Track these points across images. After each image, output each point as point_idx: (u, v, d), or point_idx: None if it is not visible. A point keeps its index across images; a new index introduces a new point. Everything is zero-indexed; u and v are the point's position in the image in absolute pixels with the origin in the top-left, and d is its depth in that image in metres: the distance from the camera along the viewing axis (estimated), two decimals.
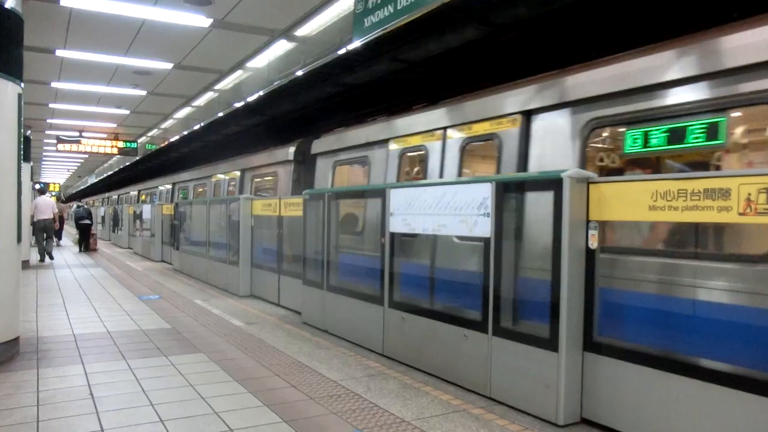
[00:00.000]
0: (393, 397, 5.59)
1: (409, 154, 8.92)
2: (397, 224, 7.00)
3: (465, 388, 5.91)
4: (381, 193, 7.30)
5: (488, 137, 7.32)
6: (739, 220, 3.94)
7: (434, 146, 8.26)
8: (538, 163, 6.59)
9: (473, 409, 5.32)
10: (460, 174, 7.77)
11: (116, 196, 41.07)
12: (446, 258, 6.79)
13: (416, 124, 8.70)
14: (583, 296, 4.94)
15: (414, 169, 9.00)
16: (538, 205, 5.55)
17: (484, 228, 5.68)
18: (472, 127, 7.61)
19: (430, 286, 6.86)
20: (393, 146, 9.21)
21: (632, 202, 4.58)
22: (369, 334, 7.54)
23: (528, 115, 6.81)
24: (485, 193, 5.68)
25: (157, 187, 28.05)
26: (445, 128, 8.11)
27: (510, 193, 5.59)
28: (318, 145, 11.52)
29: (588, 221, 4.94)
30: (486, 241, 5.65)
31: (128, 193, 36.55)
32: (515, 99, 6.95)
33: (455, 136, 7.93)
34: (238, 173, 16.10)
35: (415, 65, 10.13)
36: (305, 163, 12.44)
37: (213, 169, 19.05)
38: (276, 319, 9.52)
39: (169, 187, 25.21)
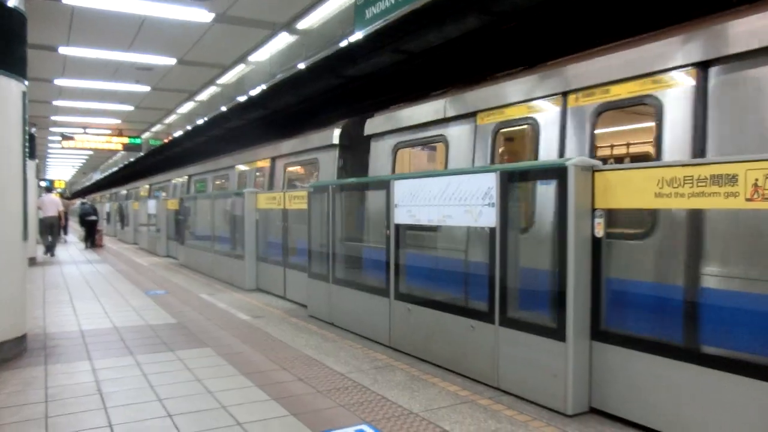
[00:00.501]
0: (400, 389, 5.57)
1: (507, 129, 7.32)
2: (401, 216, 6.96)
3: (472, 379, 5.89)
4: (385, 185, 7.26)
5: (640, 100, 5.70)
6: (746, 205, 3.89)
7: (548, 116, 6.61)
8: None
9: (481, 400, 5.30)
10: (593, 153, 6.21)
11: (124, 192, 39.59)
12: (452, 249, 6.75)
13: (514, 92, 7.07)
14: (589, 285, 4.91)
15: (514, 148, 7.67)
16: (543, 193, 5.51)
17: (490, 218, 5.64)
18: (611, 90, 5.97)
19: (436, 277, 6.83)
20: (484, 120, 7.48)
21: (638, 189, 4.54)
22: (375, 326, 7.52)
23: (704, 67, 5.17)
24: (490, 182, 5.64)
25: (170, 180, 25.85)
26: (564, 93, 6.45)
27: (515, 183, 5.54)
28: (373, 125, 9.80)
29: (594, 209, 4.90)
30: (491, 231, 5.62)
31: (138, 188, 34.37)
32: (687, 46, 5.28)
33: (583, 101, 6.29)
34: (267, 162, 14.23)
35: (415, 56, 10.07)
36: (352, 148, 10.87)
37: (236, 159, 17.00)
38: (282, 313, 9.50)
39: (184, 179, 23.18)
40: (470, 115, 7.72)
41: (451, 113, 8.02)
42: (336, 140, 10.86)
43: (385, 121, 9.43)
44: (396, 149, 9.19)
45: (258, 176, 14.83)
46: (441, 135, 8.22)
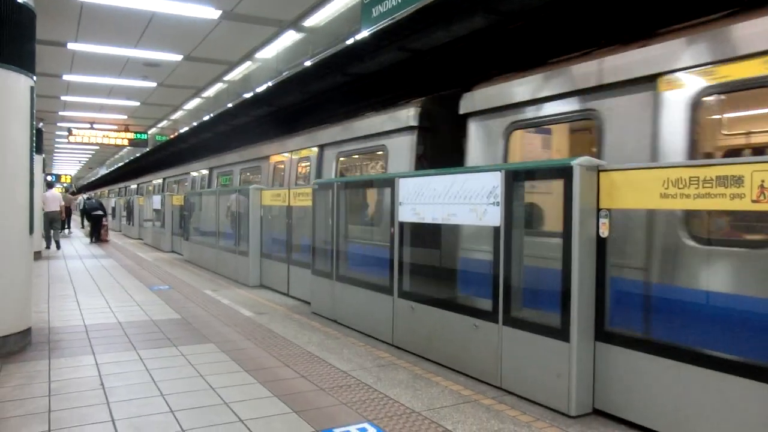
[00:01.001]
0: (403, 388, 5.55)
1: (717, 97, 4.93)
2: (406, 214, 6.94)
3: (475, 378, 5.86)
4: (390, 183, 7.24)
5: None
6: (752, 207, 3.86)
7: None
8: None
9: (484, 400, 5.27)
10: None
11: (134, 186, 38.03)
12: (456, 247, 6.73)
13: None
14: (594, 285, 4.88)
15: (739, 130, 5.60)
16: (548, 193, 5.49)
17: (494, 217, 5.61)
18: None
19: (439, 275, 6.81)
20: (683, 81, 5.02)
21: (643, 189, 4.50)
22: (379, 324, 7.51)
23: None
24: (494, 181, 5.61)
25: (188, 173, 23.59)
26: None
27: (520, 182, 5.52)
28: (473, 101, 7.45)
29: (599, 209, 4.87)
30: (496, 230, 5.59)
31: (150, 182, 32.49)
32: None
33: None
34: (314, 150, 11.87)
35: (423, 54, 10.03)
36: (434, 131, 8.77)
37: (270, 148, 14.55)
38: (286, 309, 9.49)
39: (205, 173, 21.01)
40: (646, 80, 5.29)
41: (608, 78, 5.63)
42: (414, 121, 8.67)
43: (492, 96, 7.15)
44: (510, 130, 6.93)
45: (302, 168, 12.55)
46: (592, 111, 5.83)
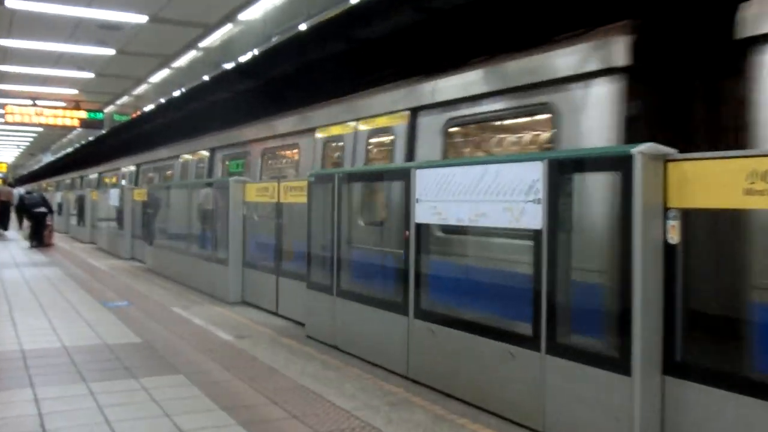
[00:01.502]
0: None
1: None
2: (424, 213, 6.91)
3: (511, 420, 5.83)
4: (404, 174, 7.21)
5: None
6: None
7: None
8: None
9: None
10: None
11: (94, 176, 36.92)
12: (487, 255, 6.70)
13: None
14: (661, 304, 4.84)
15: None
16: (603, 188, 5.45)
17: (534, 218, 5.58)
18: None
19: (467, 290, 6.78)
20: None
21: (722, 184, 4.46)
22: (390, 352, 7.48)
23: None
24: (535, 173, 5.58)
25: (177, 157, 21.26)
26: None
27: (567, 174, 5.48)
28: None
29: (666, 209, 4.83)
30: (537, 234, 5.55)
31: (118, 170, 30.91)
32: None
33: None
34: (402, 120, 9.44)
35: (443, 14, 10.00)
36: (657, 79, 6.44)
37: (314, 118, 12.25)
38: (273, 332, 9.49)
39: (201, 155, 18.85)
40: None
41: None
42: (622, 59, 6.33)
43: None
44: None
45: (377, 145, 10.47)
46: None
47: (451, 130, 8.64)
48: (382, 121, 10.01)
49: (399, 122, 9.50)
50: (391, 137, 9.64)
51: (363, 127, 10.50)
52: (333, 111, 11.65)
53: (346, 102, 11.34)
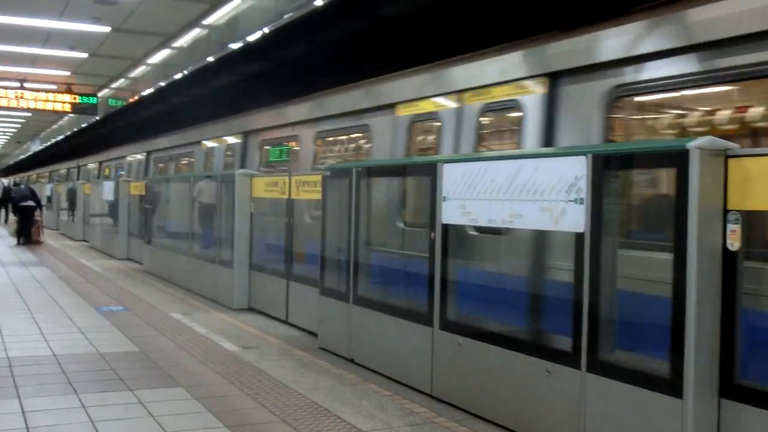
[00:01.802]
0: None
1: None
2: (452, 213, 6.88)
3: None
4: (430, 170, 7.18)
5: None
6: None
7: None
8: None
9: None
10: None
11: (93, 165, 35.85)
12: (522, 261, 6.67)
13: None
14: (719, 319, 4.79)
15: None
16: (653, 187, 5.41)
17: (576, 219, 5.53)
18: None
19: (498, 299, 6.75)
20: None
21: None
22: (412, 366, 7.46)
23: None
24: (577, 170, 5.54)
25: (199, 143, 19.85)
26: None
27: (614, 171, 5.44)
28: None
29: (726, 211, 4.78)
30: (578, 237, 5.51)
31: (123, 159, 29.50)
32: None
33: None
34: (539, 85, 7.85)
35: None
36: None
37: (397, 89, 10.62)
38: (282, 343, 9.49)
39: (233, 142, 17.17)
40: None
41: None
42: None
43: None
44: None
45: (490, 127, 9.28)
46: None
47: (620, 102, 7.18)
48: (502, 92, 8.49)
49: (529, 92, 8.02)
50: (517, 114, 8.19)
51: (471, 101, 8.89)
52: (419, 81, 10.09)
53: (439, 69, 9.79)
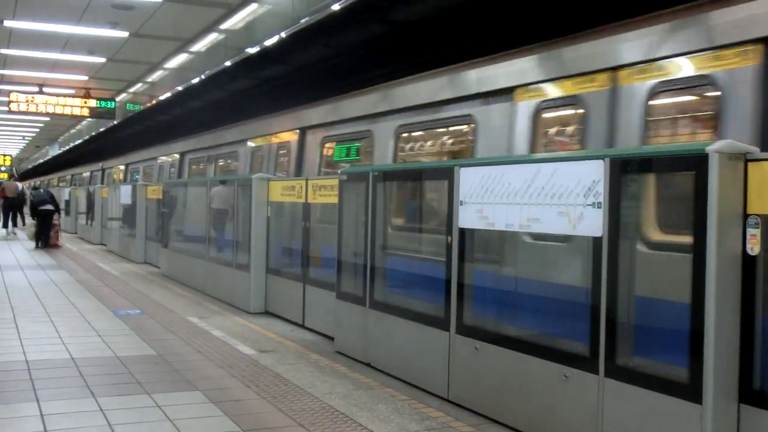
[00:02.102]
0: None
1: None
2: (469, 217, 6.86)
3: None
4: (447, 174, 7.17)
5: None
6: None
7: None
8: None
9: None
10: None
11: (119, 167, 33.85)
12: (539, 265, 6.64)
13: None
14: (739, 323, 4.76)
15: None
16: (671, 191, 5.38)
17: (594, 223, 5.51)
18: None
19: (515, 304, 6.72)
20: None
21: None
22: (428, 371, 7.44)
23: None
24: (595, 173, 5.52)
25: (244, 142, 18.00)
26: None
27: (631, 175, 5.41)
28: None
29: (746, 215, 4.75)
30: (596, 241, 5.49)
31: (153, 160, 27.73)
32: None
33: None
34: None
35: None
36: None
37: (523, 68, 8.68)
38: (299, 346, 9.49)
39: (288, 139, 15.05)
40: None
41: None
42: None
43: None
44: None
45: (672, 115, 7.15)
46: None
47: None
48: (685, 67, 6.73)
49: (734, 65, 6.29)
50: (714, 92, 6.47)
51: (637, 79, 7.12)
52: (552, 56, 8.26)
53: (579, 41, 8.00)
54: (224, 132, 19.88)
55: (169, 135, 25.84)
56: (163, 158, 26.07)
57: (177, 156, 24.02)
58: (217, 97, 20.95)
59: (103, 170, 37.55)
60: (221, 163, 20.20)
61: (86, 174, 42.61)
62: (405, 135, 11.05)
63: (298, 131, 14.30)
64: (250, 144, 17.47)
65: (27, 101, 29.11)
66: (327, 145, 13.35)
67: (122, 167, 32.80)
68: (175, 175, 23.34)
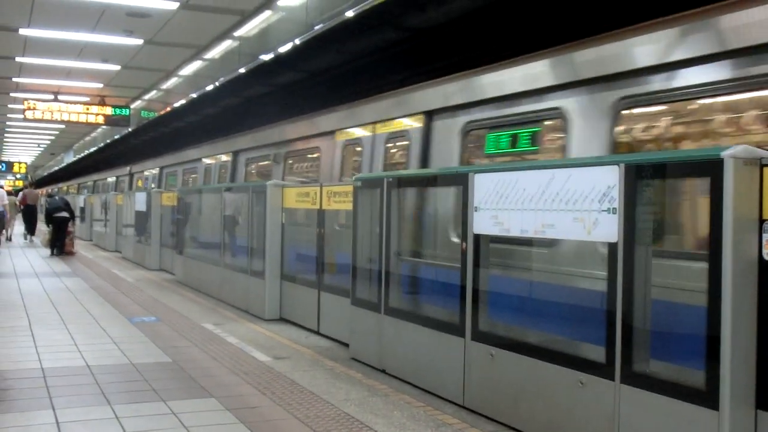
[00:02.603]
0: None
1: None
2: (484, 223, 6.86)
3: None
4: (461, 180, 7.17)
5: None
6: None
7: None
8: None
9: None
10: None
11: (150, 172, 30.08)
12: (554, 271, 6.63)
13: None
14: (755, 329, 4.74)
15: None
16: (686, 196, 5.36)
17: (609, 229, 5.50)
18: None
19: (531, 309, 6.71)
20: None
21: None
22: (444, 377, 7.43)
23: None
24: (610, 179, 5.51)
25: (331, 135, 13.53)
26: None
27: (646, 180, 5.40)
28: None
29: (762, 221, 4.74)
30: (612, 247, 5.48)
31: (198, 161, 23.33)
32: None
33: None
34: None
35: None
36: None
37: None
38: (314, 353, 9.50)
39: (406, 127, 11.16)
40: None
41: None
42: None
43: None
44: None
45: None
46: None
47: None
48: None
49: None
50: None
51: None
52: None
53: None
54: (297, 124, 15.63)
55: (221, 132, 21.48)
56: (208, 161, 22.15)
57: (227, 157, 20.07)
58: (284, 81, 16.89)
59: (132, 175, 34.05)
60: (296, 161, 16.08)
61: (111, 179, 39.37)
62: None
63: (423, 115, 10.70)
64: (345, 134, 13.07)
65: (42, 109, 29.25)
66: (471, 134, 9.67)
67: (154, 171, 29.28)
68: (227, 177, 19.51)
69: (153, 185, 27.81)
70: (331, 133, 13.41)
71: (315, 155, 14.42)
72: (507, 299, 7.21)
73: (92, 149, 51.10)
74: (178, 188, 21.50)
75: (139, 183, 32.03)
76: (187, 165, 24.85)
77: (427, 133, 10.45)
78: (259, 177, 17.93)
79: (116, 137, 38.74)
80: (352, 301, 9.28)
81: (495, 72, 9.21)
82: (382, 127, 11.78)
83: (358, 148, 12.52)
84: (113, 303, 13.43)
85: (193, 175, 23.81)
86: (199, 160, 23.01)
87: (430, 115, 10.45)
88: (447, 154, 9.84)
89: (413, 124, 10.88)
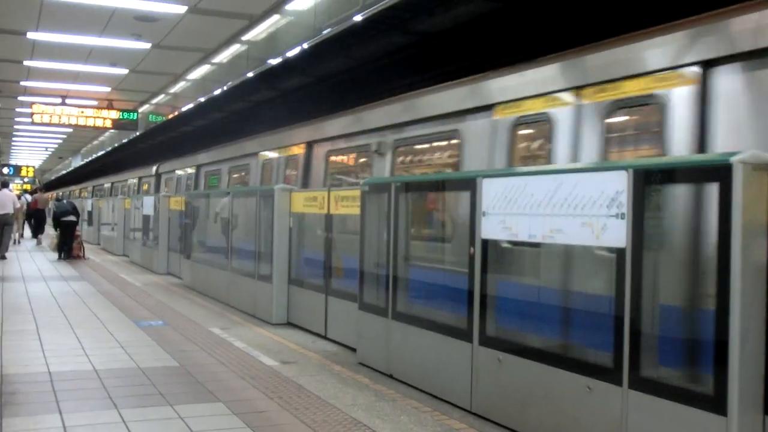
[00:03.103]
0: None
1: None
2: (492, 228, 6.87)
3: None
4: (469, 185, 7.18)
5: None
6: None
7: None
8: None
9: None
10: None
11: (185, 172, 25.96)
12: (562, 276, 6.63)
13: None
14: (764, 335, 4.74)
15: None
16: (696, 202, 5.37)
17: (617, 234, 5.50)
18: None
19: (539, 315, 6.71)
20: None
21: None
22: (451, 382, 7.44)
23: None
24: (618, 184, 5.51)
25: (425, 123, 10.58)
26: None
27: (655, 185, 5.41)
28: None
29: None
30: (619, 253, 5.48)
31: (245, 159, 19.44)
32: None
33: None
34: None
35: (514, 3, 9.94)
36: None
37: None
38: (321, 358, 9.51)
39: (530, 113, 8.40)
40: None
41: None
42: None
43: None
44: None
45: None
46: None
47: None
48: None
49: None
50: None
51: None
52: None
53: None
54: (360, 115, 13.27)
55: (271, 126, 18.79)
56: (270, 154, 17.55)
57: (276, 154, 16.92)
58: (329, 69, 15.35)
59: (159, 176, 30.08)
60: (348, 159, 14.12)
61: (132, 181, 35.39)
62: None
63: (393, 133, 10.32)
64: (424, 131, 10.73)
65: (50, 113, 29.30)
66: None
67: (189, 170, 25.12)
68: (299, 177, 15.11)
69: (188, 186, 24.48)
70: (403, 125, 11.22)
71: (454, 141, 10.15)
72: (515, 304, 7.21)
73: (108, 148, 47.42)
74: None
75: (168, 186, 27.97)
76: (234, 162, 20.57)
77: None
78: (342, 174, 14.33)
79: (138, 133, 35.59)
80: (359, 306, 9.29)
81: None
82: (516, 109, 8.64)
83: (461, 144, 9.66)
84: (120, 307, 13.45)
85: (244, 174, 19.68)
86: (254, 155, 18.65)
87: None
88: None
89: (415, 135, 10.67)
